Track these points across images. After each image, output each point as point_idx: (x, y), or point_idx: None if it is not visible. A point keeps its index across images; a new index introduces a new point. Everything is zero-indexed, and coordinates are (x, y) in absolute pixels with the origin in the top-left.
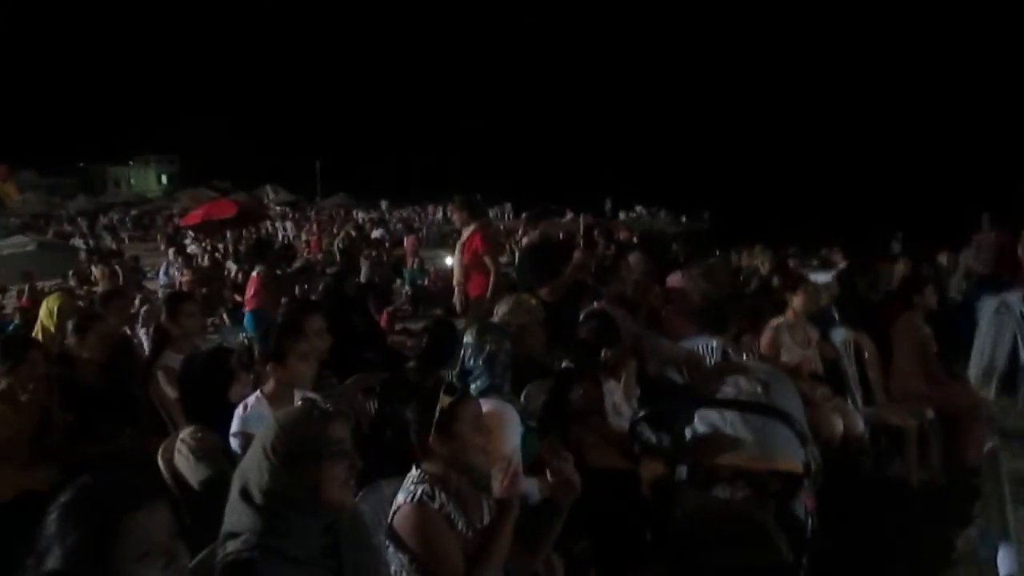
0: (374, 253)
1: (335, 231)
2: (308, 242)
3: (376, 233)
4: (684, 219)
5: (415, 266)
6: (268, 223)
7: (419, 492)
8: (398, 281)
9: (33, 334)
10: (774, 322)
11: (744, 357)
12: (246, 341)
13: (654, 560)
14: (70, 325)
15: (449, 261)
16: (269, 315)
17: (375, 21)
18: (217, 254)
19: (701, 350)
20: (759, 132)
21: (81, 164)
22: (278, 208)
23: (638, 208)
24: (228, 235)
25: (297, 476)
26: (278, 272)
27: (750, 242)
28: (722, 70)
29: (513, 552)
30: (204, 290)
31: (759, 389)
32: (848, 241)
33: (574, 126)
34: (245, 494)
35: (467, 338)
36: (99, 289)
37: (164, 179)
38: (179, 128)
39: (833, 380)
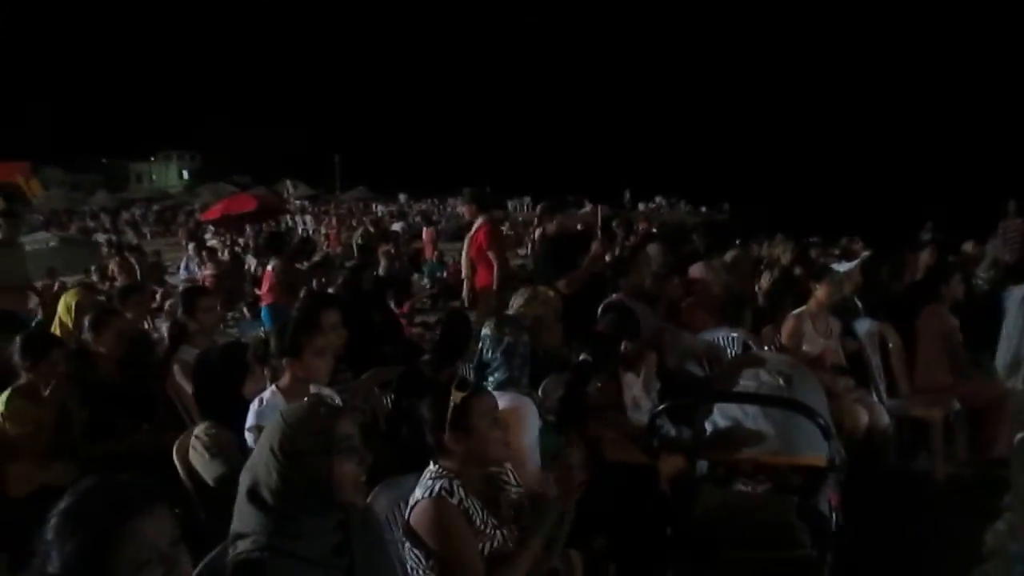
0: (392, 249)
1: (354, 225)
2: (327, 236)
3: (396, 226)
4: (704, 209)
5: (434, 259)
6: (288, 217)
7: (437, 487)
8: (415, 275)
9: (51, 329)
10: (796, 312)
11: (765, 349)
12: (263, 335)
13: (674, 556)
14: (87, 321)
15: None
16: (286, 310)
17: (395, 15)
18: (237, 248)
19: (722, 342)
20: (781, 121)
21: (104, 160)
22: (297, 202)
23: (657, 199)
24: (248, 229)
25: (305, 474)
26: (297, 266)
27: (770, 232)
28: (743, 58)
29: None
30: (228, 283)
31: (781, 382)
32: (874, 230)
33: (593, 117)
34: (253, 494)
35: (485, 330)
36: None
37: (185, 174)
38: (200, 124)
39: (857, 372)
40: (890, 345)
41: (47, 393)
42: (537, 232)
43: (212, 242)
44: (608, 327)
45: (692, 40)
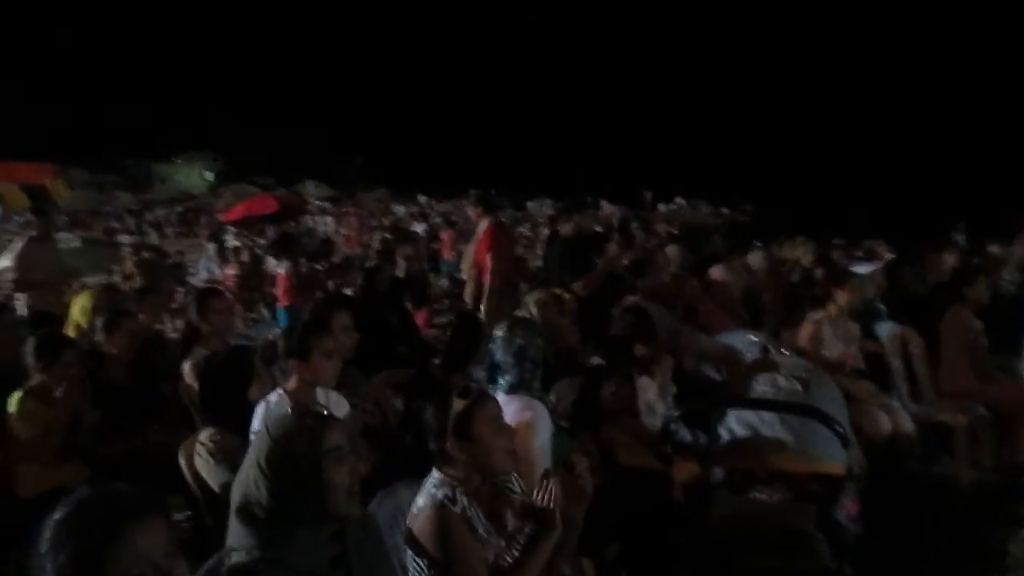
0: (410, 251)
1: (374, 225)
2: (347, 237)
3: (417, 228)
4: (725, 211)
5: (453, 260)
6: (308, 218)
7: (439, 495)
8: (432, 274)
9: (65, 330)
10: (815, 315)
11: (784, 353)
12: (271, 337)
13: (687, 565)
14: (99, 322)
15: None
16: (302, 311)
17: (418, 16)
18: (258, 250)
19: (740, 345)
20: (806, 120)
21: (128, 162)
22: (318, 203)
23: (678, 200)
24: (267, 231)
25: (295, 487)
26: (316, 267)
27: (792, 234)
28: (767, 58)
29: None
30: (249, 284)
31: (798, 387)
32: (901, 232)
33: (614, 118)
34: (244, 508)
35: (497, 332)
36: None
37: (208, 176)
38: (223, 126)
39: (879, 376)
40: (913, 349)
41: (60, 395)
42: (546, 232)
43: (233, 243)
44: (623, 330)
45: (713, 41)
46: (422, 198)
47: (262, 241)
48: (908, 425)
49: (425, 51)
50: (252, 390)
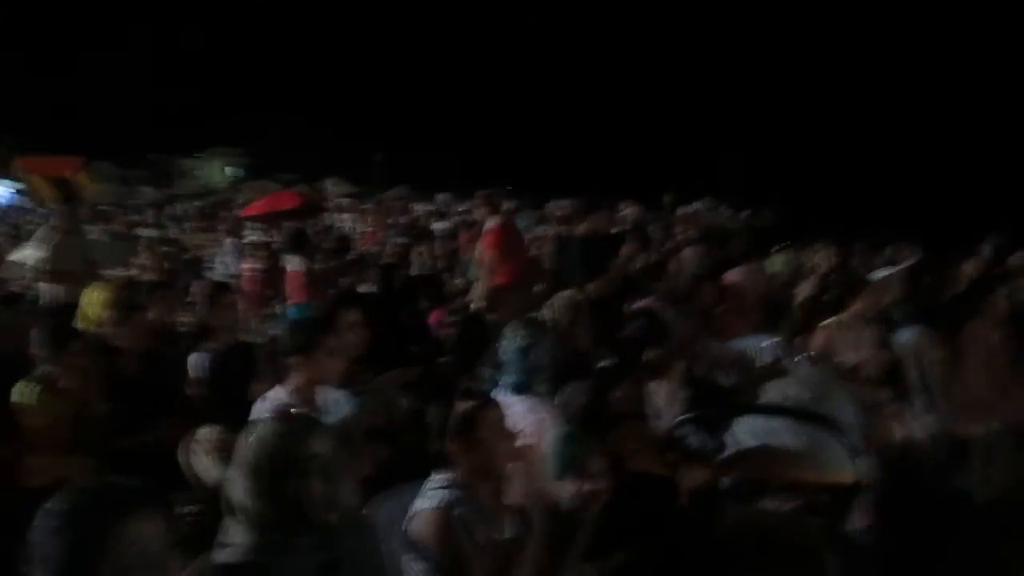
0: (424, 250)
1: (390, 223)
2: (364, 235)
3: (437, 226)
4: (745, 214)
5: (470, 259)
6: (328, 215)
7: (439, 498)
8: (446, 273)
9: (78, 322)
10: (827, 323)
11: (798, 359)
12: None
13: (692, 574)
14: (110, 315)
15: None
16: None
17: (438, 15)
18: (276, 245)
19: (754, 351)
20: (831, 122)
21: (153, 157)
22: (338, 200)
23: (698, 202)
24: (285, 227)
25: (270, 494)
26: (333, 264)
27: (813, 238)
28: (789, 57)
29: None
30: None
31: (809, 395)
32: (932, 238)
33: (635, 119)
34: (231, 511)
35: (506, 331)
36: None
37: (231, 171)
38: (246, 121)
39: (894, 385)
40: (931, 358)
41: (66, 385)
42: (555, 232)
43: (252, 238)
44: (633, 333)
45: (735, 42)
46: (442, 196)
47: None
48: (924, 436)
49: (448, 50)
50: (254, 387)
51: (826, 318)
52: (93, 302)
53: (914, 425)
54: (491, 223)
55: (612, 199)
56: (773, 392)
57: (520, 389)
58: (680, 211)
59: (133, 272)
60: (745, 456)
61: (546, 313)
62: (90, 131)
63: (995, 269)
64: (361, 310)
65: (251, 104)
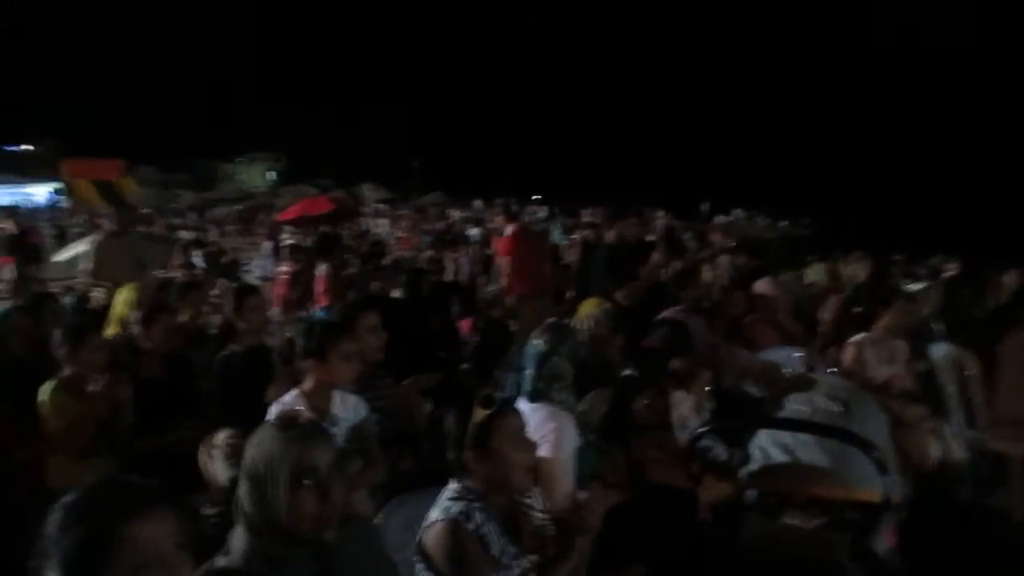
0: (457, 256)
1: (425, 228)
2: (399, 240)
3: (472, 232)
4: (783, 223)
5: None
6: (363, 220)
7: (453, 509)
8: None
9: (109, 323)
10: (855, 338)
11: (827, 372)
12: (289, 336)
13: None
14: (137, 316)
15: None
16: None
17: (476, 23)
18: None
19: (783, 362)
20: (873, 131)
21: (194, 160)
22: (374, 205)
23: (735, 211)
24: (316, 232)
25: (265, 502)
26: (367, 269)
27: (849, 249)
28: (829, 64)
29: None
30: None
31: (837, 408)
32: (969, 249)
33: (672, 127)
34: (237, 512)
35: (530, 337)
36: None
37: (270, 176)
38: (286, 127)
39: (931, 400)
40: (969, 372)
41: (89, 388)
42: (584, 238)
43: (289, 242)
44: (658, 341)
45: (772, 52)
46: (477, 203)
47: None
48: (960, 453)
49: (486, 58)
50: (270, 390)
51: (856, 331)
52: (121, 303)
53: (951, 442)
54: (508, 230)
55: (648, 206)
56: (801, 405)
57: (539, 396)
58: (717, 219)
59: (173, 274)
60: (770, 470)
61: (585, 323)
62: (133, 135)
63: None
64: (381, 314)
65: (291, 109)
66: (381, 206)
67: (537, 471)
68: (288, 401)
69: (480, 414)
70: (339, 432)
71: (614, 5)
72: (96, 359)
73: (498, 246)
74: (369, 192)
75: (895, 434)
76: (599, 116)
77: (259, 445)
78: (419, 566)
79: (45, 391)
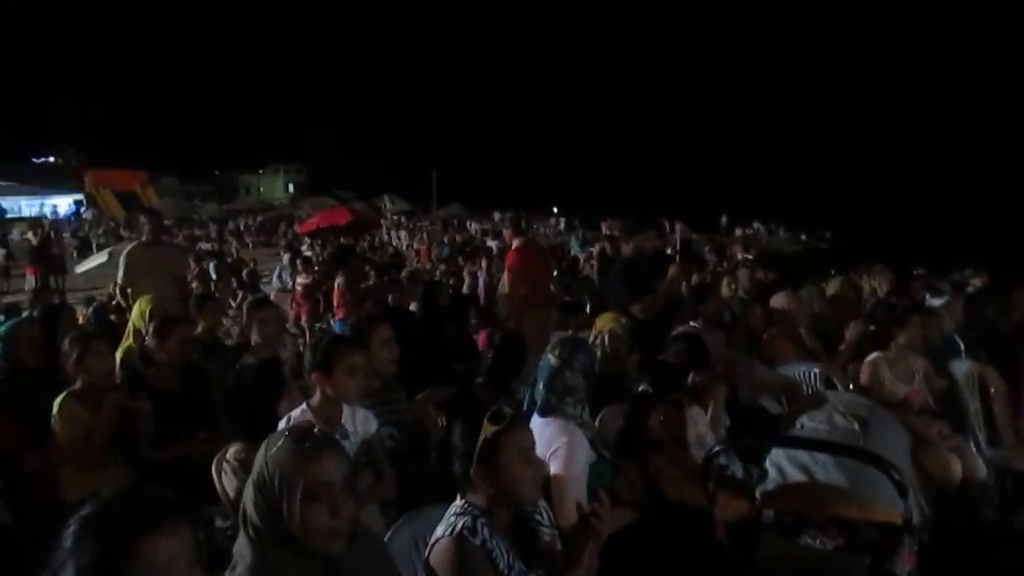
0: (475, 269)
1: (445, 241)
2: (418, 251)
3: (491, 244)
4: (804, 237)
5: None
6: (383, 231)
7: (459, 525)
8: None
9: (126, 335)
10: (871, 357)
11: (848, 387)
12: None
13: None
14: (151, 327)
15: (554, 273)
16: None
17: (496, 38)
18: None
19: (801, 377)
20: (896, 141)
21: (216, 172)
22: (394, 217)
23: (755, 224)
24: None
25: (276, 515)
26: (377, 281)
27: (869, 262)
28: (851, 81)
29: None
30: (318, 294)
31: (856, 427)
32: (996, 262)
33: (692, 138)
34: (244, 523)
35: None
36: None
37: (291, 187)
38: (307, 139)
39: (953, 417)
40: (992, 389)
41: (100, 397)
42: (602, 250)
43: (308, 253)
44: (675, 356)
45: (792, 64)
46: (496, 215)
47: None
48: (983, 471)
49: (506, 71)
50: (283, 404)
51: (875, 348)
52: (137, 314)
53: (973, 460)
54: (514, 243)
55: (667, 218)
56: (819, 423)
57: (551, 410)
58: (738, 232)
59: (193, 285)
60: (788, 489)
61: (603, 338)
62: (156, 147)
63: None
64: (394, 327)
65: (312, 122)
66: (400, 217)
67: (548, 486)
68: (297, 416)
69: (489, 429)
70: (349, 446)
71: (637, 20)
72: (101, 367)
73: (506, 258)
74: (389, 204)
75: (916, 452)
76: (619, 129)
77: (272, 457)
78: None
79: (57, 402)
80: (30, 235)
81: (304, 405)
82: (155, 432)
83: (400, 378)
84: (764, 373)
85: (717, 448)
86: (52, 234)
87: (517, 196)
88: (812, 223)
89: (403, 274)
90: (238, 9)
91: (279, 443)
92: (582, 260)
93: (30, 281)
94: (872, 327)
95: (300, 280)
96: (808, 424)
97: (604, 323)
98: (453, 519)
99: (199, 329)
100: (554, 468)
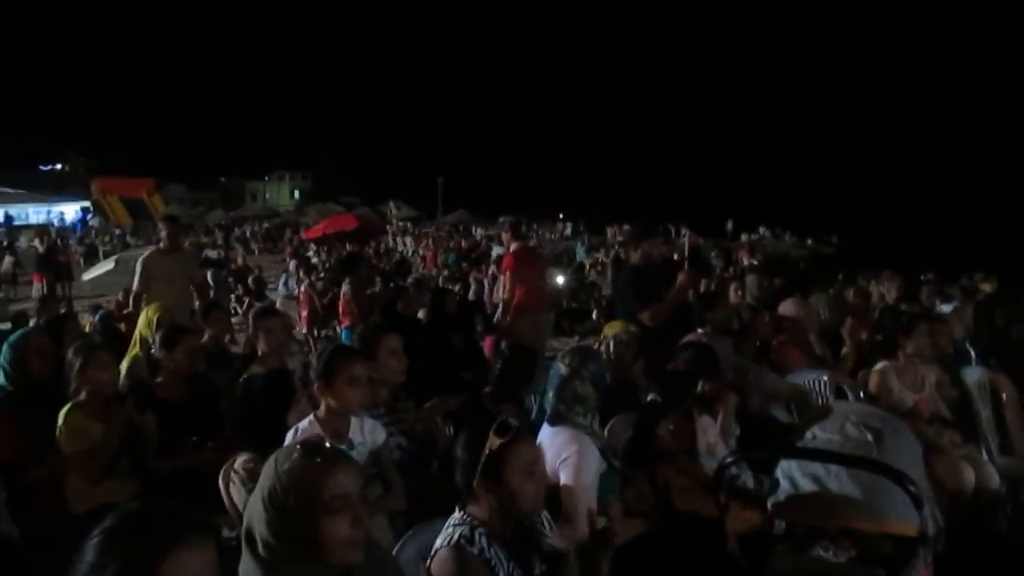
0: (479, 275)
1: (451, 247)
2: (424, 257)
3: (497, 250)
4: (810, 242)
5: None
6: (389, 237)
7: (457, 535)
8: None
9: (133, 344)
10: (878, 366)
11: (858, 396)
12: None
13: None
14: (158, 337)
15: (560, 279)
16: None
17: (502, 44)
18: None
19: (810, 385)
20: (905, 144)
21: (222, 179)
22: (399, 223)
23: (761, 229)
24: (348, 248)
25: (292, 530)
26: (382, 288)
27: (878, 268)
28: (859, 85)
29: None
30: (323, 301)
31: (869, 437)
32: (1007, 267)
33: (698, 143)
34: (249, 540)
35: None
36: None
37: (296, 194)
38: (313, 145)
39: (965, 425)
40: (1003, 397)
41: (105, 408)
42: (614, 256)
43: (314, 260)
44: (684, 365)
45: (799, 69)
46: (502, 220)
47: None
48: (996, 480)
49: (510, 75)
50: (291, 414)
51: (882, 357)
52: (144, 324)
53: (986, 469)
54: (511, 248)
55: (673, 223)
56: (832, 434)
57: (560, 419)
58: (743, 237)
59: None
60: (800, 500)
61: (609, 347)
62: (162, 154)
63: None
64: (402, 336)
65: (318, 129)
66: (406, 224)
67: (557, 497)
68: (304, 427)
69: (494, 442)
70: (357, 457)
71: (644, 24)
72: (104, 378)
73: (506, 263)
74: (394, 210)
75: (928, 461)
76: (625, 134)
77: (285, 472)
78: None
79: (62, 414)
80: (37, 242)
81: (311, 416)
82: (161, 442)
83: (407, 387)
84: (774, 381)
85: (729, 459)
86: (59, 241)
87: (523, 201)
88: (817, 227)
89: (409, 281)
90: (245, 18)
91: (291, 458)
92: (587, 266)
93: (37, 288)
94: (879, 336)
95: (305, 287)
96: (820, 435)
97: (612, 331)
98: (451, 530)
99: (205, 338)
100: (564, 478)
